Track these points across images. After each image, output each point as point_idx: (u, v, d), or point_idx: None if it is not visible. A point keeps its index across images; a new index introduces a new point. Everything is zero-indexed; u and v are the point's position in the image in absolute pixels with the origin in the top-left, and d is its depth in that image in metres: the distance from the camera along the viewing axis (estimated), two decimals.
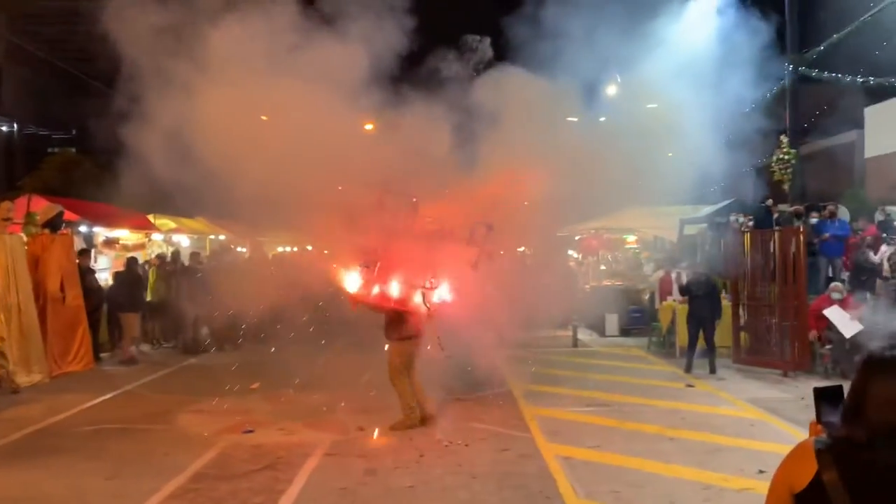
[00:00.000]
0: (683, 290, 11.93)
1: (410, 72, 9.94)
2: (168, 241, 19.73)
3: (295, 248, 20.80)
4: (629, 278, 18.08)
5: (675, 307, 12.94)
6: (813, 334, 11.10)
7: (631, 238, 22.10)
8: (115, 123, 8.92)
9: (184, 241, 20.95)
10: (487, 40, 10.16)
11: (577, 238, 21.38)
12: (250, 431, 8.11)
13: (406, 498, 6.04)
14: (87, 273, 13.07)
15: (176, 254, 16.84)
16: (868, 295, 11.79)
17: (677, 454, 7.10)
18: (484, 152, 9.98)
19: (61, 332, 11.81)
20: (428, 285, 8.38)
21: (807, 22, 19.41)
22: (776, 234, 12.10)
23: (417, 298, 8.39)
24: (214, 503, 5.96)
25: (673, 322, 13.02)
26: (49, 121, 38.36)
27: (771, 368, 11.36)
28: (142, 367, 12.49)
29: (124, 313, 13.36)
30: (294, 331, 10.42)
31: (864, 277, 12.41)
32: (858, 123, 21.69)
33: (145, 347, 14.62)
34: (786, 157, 19.06)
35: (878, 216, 14.67)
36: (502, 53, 10.48)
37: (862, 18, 17.46)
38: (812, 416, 2.18)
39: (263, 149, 8.55)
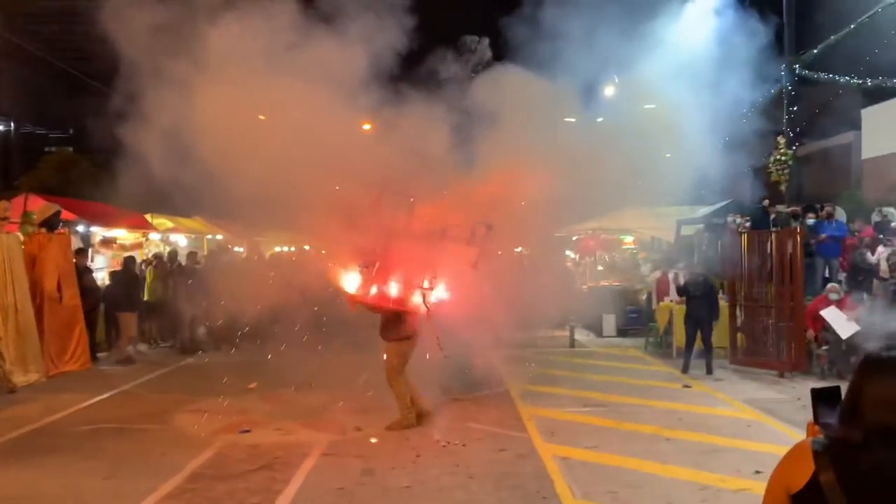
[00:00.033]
0: (681, 291, 11.95)
1: (409, 71, 9.95)
2: (165, 241, 19.71)
3: (292, 248, 20.80)
4: (626, 279, 18.09)
5: (672, 308, 12.96)
6: (810, 334, 11.12)
7: (628, 238, 22.15)
8: (112, 123, 8.92)
9: (181, 240, 20.95)
10: (486, 41, 10.17)
11: (574, 238, 21.43)
12: (247, 431, 8.10)
13: (403, 498, 6.04)
14: (84, 272, 13.05)
15: (173, 253, 16.83)
16: (865, 296, 11.82)
17: (674, 454, 7.11)
18: (482, 152, 9.98)
19: (58, 331, 11.79)
20: (427, 285, 8.38)
21: (804, 23, 19.47)
22: (773, 235, 12.12)
23: (416, 298, 8.39)
24: (211, 503, 5.95)
25: (670, 323, 13.04)
26: (46, 120, 38.26)
27: (767, 369, 11.38)
28: (139, 367, 12.47)
29: (121, 313, 13.34)
30: (292, 332, 10.41)
31: (860, 278, 12.43)
32: (855, 125, 21.71)
33: (142, 347, 14.61)
34: (783, 158, 19.12)
35: (875, 217, 14.68)
36: (501, 54, 10.51)
37: (859, 20, 17.51)
38: (809, 416, 2.19)
39: (261, 148, 8.54)
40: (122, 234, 17.57)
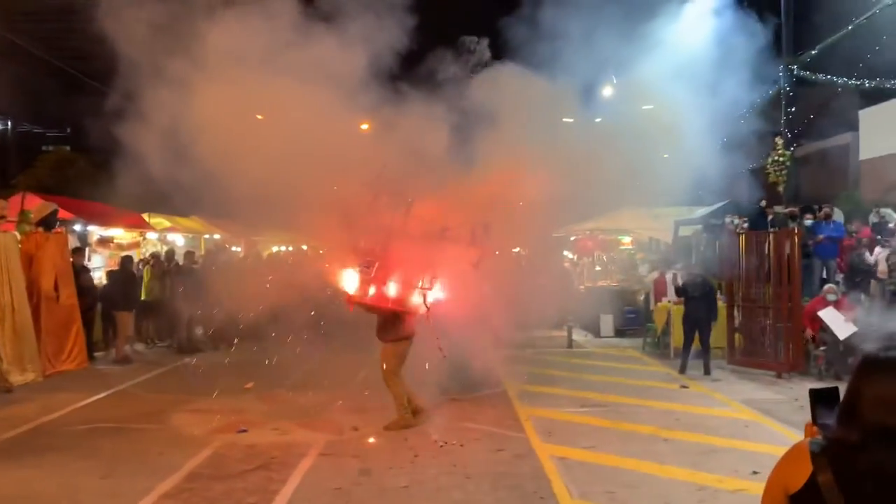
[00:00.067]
0: (680, 292, 11.95)
1: (408, 71, 9.95)
2: (163, 240, 19.70)
3: (290, 248, 20.80)
4: (624, 279, 18.11)
5: (669, 308, 12.96)
6: (807, 335, 11.13)
7: (626, 239, 22.17)
8: (109, 122, 8.91)
9: (178, 240, 20.93)
10: (485, 42, 10.17)
11: (572, 239, 21.45)
12: (244, 431, 8.09)
13: (400, 498, 6.04)
14: (81, 272, 13.03)
15: (170, 253, 16.81)
16: (862, 296, 11.83)
17: (672, 455, 7.11)
18: (480, 152, 9.98)
19: (55, 330, 11.76)
20: (426, 285, 8.37)
21: (802, 24, 19.52)
22: (771, 236, 12.13)
23: (415, 299, 8.38)
24: (208, 503, 5.94)
25: (668, 323, 13.05)
26: (43, 118, 38.24)
27: (765, 370, 11.38)
28: (136, 367, 12.46)
29: (118, 312, 13.32)
30: (289, 332, 10.39)
31: (858, 279, 12.45)
32: (853, 126, 21.75)
33: (139, 347, 14.59)
34: (781, 158, 19.15)
35: (873, 218, 14.69)
36: (500, 54, 10.50)
37: (857, 21, 17.55)
38: (806, 417, 2.19)
39: (259, 148, 8.53)
40: (120, 234, 17.56)
